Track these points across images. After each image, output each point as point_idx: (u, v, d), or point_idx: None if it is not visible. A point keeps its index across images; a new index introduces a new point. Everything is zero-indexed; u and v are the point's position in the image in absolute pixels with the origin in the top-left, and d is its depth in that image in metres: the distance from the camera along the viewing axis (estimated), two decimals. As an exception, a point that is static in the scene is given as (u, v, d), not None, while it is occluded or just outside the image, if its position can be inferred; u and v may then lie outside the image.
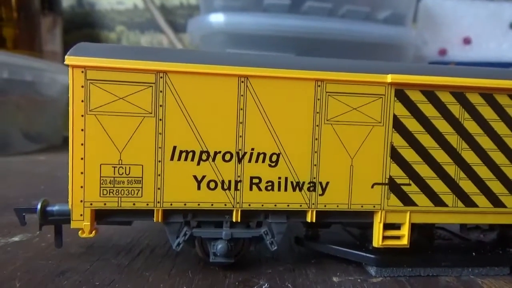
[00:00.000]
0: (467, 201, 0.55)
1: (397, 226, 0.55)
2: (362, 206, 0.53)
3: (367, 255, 0.55)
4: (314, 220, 0.53)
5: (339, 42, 1.57)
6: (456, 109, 0.54)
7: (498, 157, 0.55)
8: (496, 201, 0.55)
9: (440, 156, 0.54)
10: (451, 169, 0.54)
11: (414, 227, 0.61)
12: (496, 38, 2.18)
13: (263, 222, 0.54)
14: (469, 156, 0.54)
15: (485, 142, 0.54)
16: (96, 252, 0.60)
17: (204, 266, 0.55)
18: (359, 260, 0.56)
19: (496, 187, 0.55)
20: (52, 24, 1.98)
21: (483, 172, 0.55)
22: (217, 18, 1.33)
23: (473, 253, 0.57)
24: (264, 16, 1.45)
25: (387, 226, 0.55)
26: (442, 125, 0.54)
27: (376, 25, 1.63)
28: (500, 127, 0.55)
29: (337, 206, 0.53)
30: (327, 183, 0.52)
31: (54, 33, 2.00)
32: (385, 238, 0.55)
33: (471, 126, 0.54)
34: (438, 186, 0.54)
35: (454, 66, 0.55)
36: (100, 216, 0.50)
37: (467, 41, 2.19)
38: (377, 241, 0.54)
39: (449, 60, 2.07)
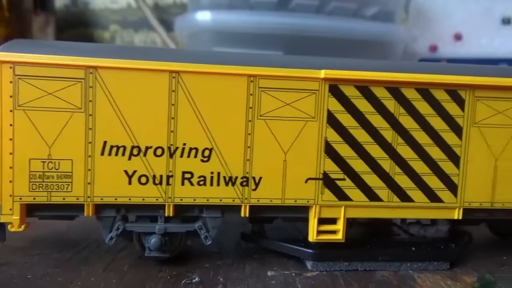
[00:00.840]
0: (403, 196, 0.55)
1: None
2: (295, 201, 0.53)
3: (303, 249, 0.56)
4: (247, 215, 0.53)
5: (327, 39, 1.56)
6: (391, 104, 0.54)
7: (435, 152, 0.55)
8: (433, 196, 0.55)
9: (375, 151, 0.54)
10: (386, 164, 0.54)
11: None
12: (487, 34, 2.16)
13: (199, 217, 0.54)
14: (405, 151, 0.54)
15: (422, 137, 0.54)
16: (40, 246, 0.60)
17: (144, 261, 0.56)
18: (297, 254, 0.57)
19: (433, 182, 0.55)
20: (45, 23, 1.98)
21: (419, 167, 0.55)
22: (203, 16, 1.33)
23: (413, 248, 0.58)
24: (251, 13, 1.44)
25: (323, 221, 0.55)
26: (377, 120, 0.54)
27: (364, 22, 1.62)
28: (437, 122, 0.54)
29: (271, 200, 0.53)
30: (260, 178, 0.52)
31: (46, 32, 2.00)
32: (321, 232, 0.55)
33: (407, 121, 0.54)
34: (373, 181, 0.54)
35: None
36: (32, 210, 0.50)
37: (458, 37, 2.17)
38: (312, 235, 0.55)
39: (439, 56, 2.06)
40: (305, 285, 0.51)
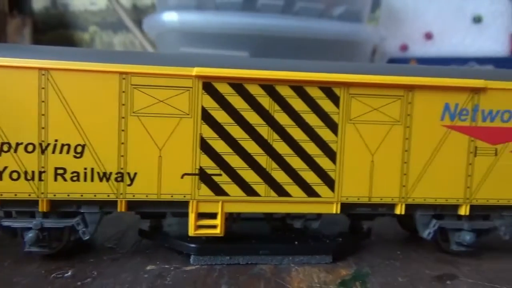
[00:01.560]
0: (280, 191, 0.56)
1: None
2: (172, 196, 0.54)
3: (186, 244, 0.57)
4: (123, 210, 0.54)
5: (294, 39, 1.57)
6: (266, 101, 0.55)
7: (311, 148, 0.56)
8: (310, 191, 0.57)
9: (251, 147, 0.55)
10: (263, 160, 0.56)
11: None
12: (458, 33, 2.18)
13: (77, 212, 0.55)
14: (281, 147, 0.56)
15: (297, 134, 0.56)
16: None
17: (30, 257, 0.57)
18: (181, 249, 0.58)
19: (310, 177, 0.57)
20: (21, 26, 1.98)
21: (296, 162, 0.56)
22: (170, 17, 1.33)
23: (296, 242, 0.59)
24: (217, 14, 1.45)
25: (205, 216, 0.56)
26: (252, 117, 0.55)
27: (331, 22, 1.62)
28: (312, 119, 0.56)
29: (146, 196, 0.54)
30: (135, 174, 0.53)
31: (23, 34, 2.00)
32: (201, 227, 0.56)
33: (282, 118, 0.55)
34: (249, 176, 0.56)
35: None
36: None
37: (428, 36, 2.19)
38: (191, 230, 0.56)
39: (410, 55, 2.08)
40: (176, 278, 0.52)
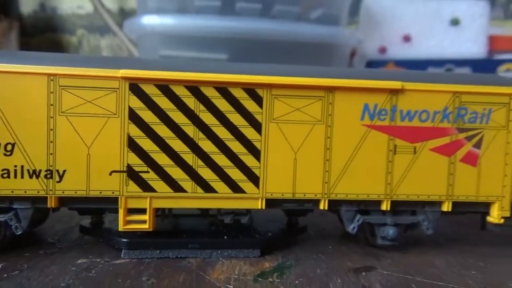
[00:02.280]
0: (207, 187, 0.59)
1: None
2: (101, 192, 0.57)
3: (116, 238, 0.59)
4: (54, 206, 0.56)
5: (272, 42, 1.59)
6: (191, 102, 0.58)
7: (236, 147, 0.59)
8: (235, 187, 0.59)
9: (178, 145, 0.58)
10: (189, 158, 0.58)
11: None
12: (436, 35, 2.22)
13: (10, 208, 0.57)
14: (207, 146, 0.58)
15: (222, 133, 0.58)
16: None
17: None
18: (113, 244, 0.60)
19: (235, 174, 0.59)
20: (8, 29, 2.00)
21: (221, 160, 0.59)
22: (149, 20, 1.35)
23: (225, 236, 0.62)
24: (196, 17, 1.47)
25: (136, 211, 0.59)
26: (178, 117, 0.58)
27: (308, 24, 1.65)
28: (236, 118, 0.59)
29: (75, 192, 0.56)
30: (64, 171, 0.56)
31: (9, 38, 2.03)
32: (130, 222, 0.59)
33: (207, 118, 0.58)
34: (176, 173, 0.58)
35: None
36: None
37: (407, 38, 2.22)
38: (120, 225, 0.58)
39: (388, 58, 2.11)
40: (101, 271, 0.54)
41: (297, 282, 0.53)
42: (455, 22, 2.23)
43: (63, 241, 0.66)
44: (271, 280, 0.53)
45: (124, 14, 1.99)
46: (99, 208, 0.62)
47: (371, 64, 2.09)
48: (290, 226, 0.69)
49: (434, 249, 0.68)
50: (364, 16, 2.16)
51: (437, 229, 0.67)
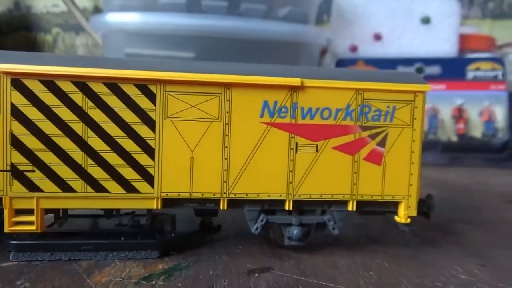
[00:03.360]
0: (97, 187, 0.57)
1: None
2: (-18, 192, 0.55)
3: (6, 240, 0.57)
4: None
5: (239, 40, 1.57)
6: (79, 98, 0.55)
7: (128, 145, 0.57)
8: (129, 187, 0.57)
9: (66, 143, 0.56)
10: (78, 156, 0.56)
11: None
12: (407, 34, 2.21)
13: None
14: (97, 144, 0.56)
15: (113, 130, 0.56)
16: None
17: None
18: (3, 246, 0.58)
19: (128, 173, 0.57)
20: None
21: (113, 159, 0.57)
22: (113, 18, 1.32)
23: (122, 238, 0.60)
24: (161, 15, 1.44)
25: (26, 212, 0.57)
26: (66, 114, 0.55)
27: (275, 22, 1.63)
28: (128, 116, 0.56)
29: None
30: None
31: None
32: (18, 223, 0.56)
33: (97, 115, 0.56)
34: (65, 172, 0.56)
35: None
36: None
37: (377, 37, 2.22)
38: (6, 226, 0.56)
39: (359, 56, 2.09)
40: (-21, 274, 0.52)
41: (180, 284, 0.51)
42: (426, 20, 2.23)
43: None
44: (154, 283, 0.52)
45: (99, 12, 1.96)
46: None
47: (341, 63, 2.08)
48: (203, 226, 0.67)
49: (347, 250, 0.66)
50: (335, 14, 2.15)
51: (364, 229, 0.65)
